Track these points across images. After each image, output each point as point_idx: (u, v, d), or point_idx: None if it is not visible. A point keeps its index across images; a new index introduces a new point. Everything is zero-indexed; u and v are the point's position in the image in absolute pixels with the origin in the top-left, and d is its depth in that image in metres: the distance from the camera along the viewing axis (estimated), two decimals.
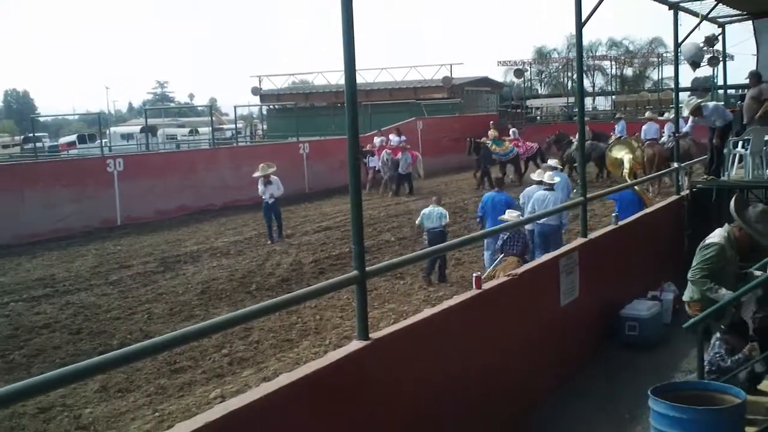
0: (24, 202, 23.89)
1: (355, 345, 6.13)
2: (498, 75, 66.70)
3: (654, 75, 68.27)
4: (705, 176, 16.05)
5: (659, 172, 20.48)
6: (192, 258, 19.18)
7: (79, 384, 10.07)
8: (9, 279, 17.71)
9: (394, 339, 6.42)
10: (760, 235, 8.23)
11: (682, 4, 15.88)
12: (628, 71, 71.24)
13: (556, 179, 15.39)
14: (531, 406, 8.64)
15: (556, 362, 9.53)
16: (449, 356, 7.19)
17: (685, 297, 8.54)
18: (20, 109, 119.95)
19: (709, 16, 17.00)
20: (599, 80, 71.94)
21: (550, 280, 9.51)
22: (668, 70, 61.53)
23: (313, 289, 6.69)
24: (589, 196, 11.67)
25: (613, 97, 59.01)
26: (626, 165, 23.91)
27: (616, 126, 32.79)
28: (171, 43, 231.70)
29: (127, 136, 53.51)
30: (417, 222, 16.27)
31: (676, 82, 18.46)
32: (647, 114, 34.77)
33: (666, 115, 35.28)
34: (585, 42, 14.14)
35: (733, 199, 8.64)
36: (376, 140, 33.25)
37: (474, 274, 7.97)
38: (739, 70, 34.04)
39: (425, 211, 15.78)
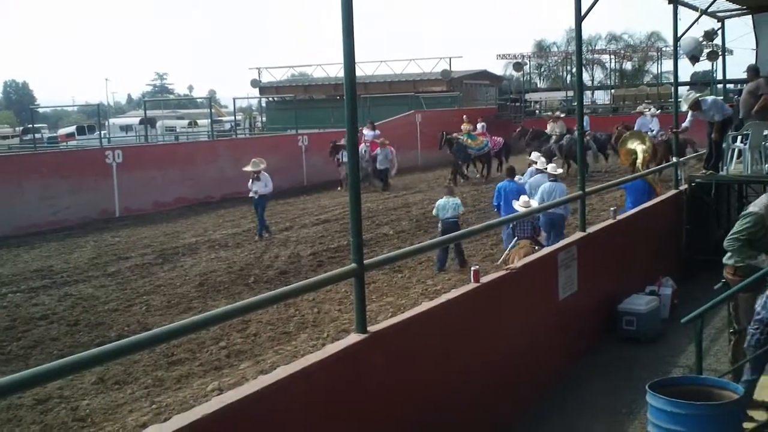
0: (23, 193, 23.88)
1: (353, 338, 6.13)
2: (497, 68, 66.72)
3: (653, 69, 68.25)
4: (704, 171, 16.04)
5: (661, 166, 20.53)
6: (190, 250, 19.17)
7: (77, 376, 10.08)
8: (7, 270, 17.69)
9: (392, 332, 6.42)
10: None
11: None
12: (628, 65, 71.21)
13: (559, 170, 15.99)
14: (529, 399, 8.65)
15: (554, 356, 9.54)
16: (448, 350, 7.19)
17: (724, 260, 8.61)
18: (20, 100, 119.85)
19: (709, 10, 16.99)
20: (598, 74, 71.86)
21: (548, 274, 9.52)
22: (667, 65, 61.55)
23: (311, 282, 6.70)
24: (589, 189, 11.67)
25: (612, 91, 58.91)
26: (640, 155, 24.04)
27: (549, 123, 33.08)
28: (171, 35, 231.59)
29: (126, 128, 53.50)
30: (433, 213, 16.66)
31: (675, 77, 18.46)
32: (639, 108, 34.96)
33: (652, 110, 35.41)
34: (584, 36, 14.18)
35: None
36: (368, 133, 32.04)
37: (472, 268, 7.97)
38: (738, 65, 34.15)
39: (440, 202, 16.16)
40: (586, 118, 33.24)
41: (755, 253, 8.17)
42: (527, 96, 57.13)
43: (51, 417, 9.40)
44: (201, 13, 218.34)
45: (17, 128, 65.96)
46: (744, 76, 18.66)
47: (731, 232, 8.45)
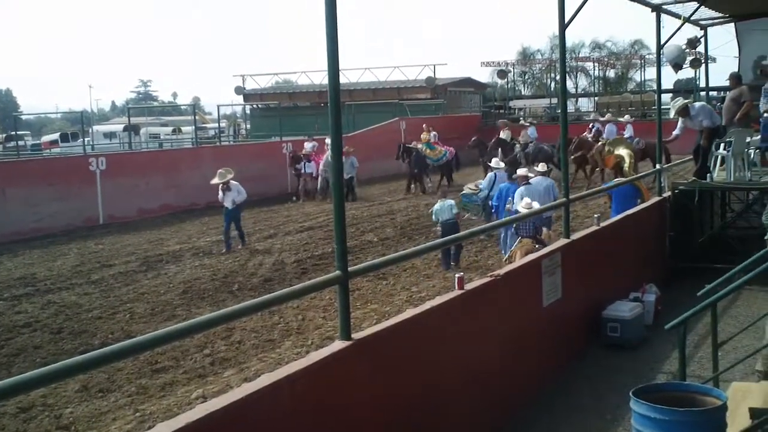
0: (5, 200, 23.79)
1: (338, 345, 6.12)
2: (482, 76, 66.80)
3: (637, 77, 68.68)
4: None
5: (648, 172, 20.65)
6: (174, 257, 19.12)
7: (60, 384, 10.01)
8: None
9: (376, 339, 6.42)
10: None
11: (664, 7, 15.94)
12: (611, 73, 71.55)
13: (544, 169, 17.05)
14: (514, 405, 8.66)
15: (539, 362, 9.55)
16: (432, 356, 7.19)
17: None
18: (3, 107, 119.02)
19: (692, 18, 17.06)
20: (582, 81, 72.21)
21: (533, 281, 9.53)
22: (651, 72, 61.81)
23: (296, 289, 6.68)
24: (573, 196, 11.71)
25: (596, 98, 59.18)
26: (627, 160, 24.30)
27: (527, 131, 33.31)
28: (155, 42, 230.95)
29: (110, 135, 53.34)
30: (432, 218, 17.27)
31: (659, 84, 18.59)
32: (607, 116, 35.53)
33: (608, 116, 35.86)
34: (568, 43, 14.24)
35: None
36: (307, 145, 31.79)
37: (456, 275, 7.98)
38: (720, 72, 34.35)
39: (436, 207, 16.77)
40: (532, 128, 33.49)
41: None
42: (511, 103, 57.33)
43: (34, 425, 9.35)
44: (185, 20, 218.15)
45: (0, 135, 65.59)
46: (727, 83, 18.79)
47: None
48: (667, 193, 15.50)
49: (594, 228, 11.94)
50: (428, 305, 7.42)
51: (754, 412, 6.35)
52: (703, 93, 30.37)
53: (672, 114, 16.30)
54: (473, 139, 33.21)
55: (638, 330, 11.20)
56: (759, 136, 15.69)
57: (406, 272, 16.11)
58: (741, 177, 14.89)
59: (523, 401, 8.85)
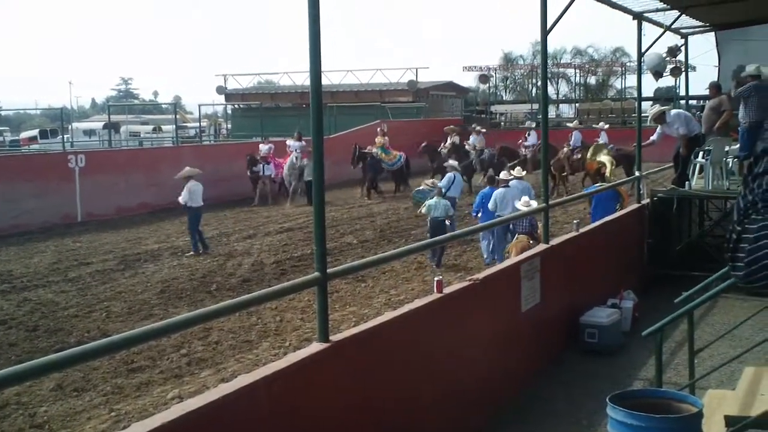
0: None
1: (315, 347, 6.11)
2: (464, 80, 66.97)
3: (617, 84, 69.03)
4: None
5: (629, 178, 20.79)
6: (152, 256, 19.04)
7: (35, 382, 9.94)
8: None
9: (354, 342, 6.41)
10: None
11: (646, 15, 16.00)
12: (592, 80, 71.96)
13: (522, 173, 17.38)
14: (491, 410, 8.67)
15: (516, 367, 9.56)
16: (410, 360, 7.19)
17: None
18: None
19: (673, 26, 17.16)
20: (563, 88, 72.67)
21: (511, 286, 9.55)
22: (631, 80, 62.03)
23: (274, 290, 6.68)
24: (553, 202, 11.74)
25: (577, 105, 59.41)
26: (608, 166, 24.57)
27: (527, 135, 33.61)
28: (136, 40, 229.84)
29: (89, 132, 53.12)
30: (423, 211, 17.49)
31: (639, 92, 18.66)
32: (574, 123, 35.95)
33: (601, 124, 36.13)
34: (550, 49, 14.31)
35: None
36: (263, 147, 30.79)
37: (435, 279, 7.98)
38: (700, 81, 34.59)
39: (431, 202, 17.13)
40: (474, 136, 33.62)
41: None
42: (493, 108, 57.44)
43: (8, 424, 9.27)
44: (167, 18, 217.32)
45: None
46: (707, 92, 18.90)
47: None
48: (646, 200, 15.58)
49: (573, 233, 11.98)
50: (406, 308, 7.42)
51: (729, 420, 6.37)
52: (682, 101, 30.57)
53: (649, 121, 16.41)
54: (423, 145, 33.10)
55: (616, 336, 11.23)
56: (737, 145, 15.82)
57: (385, 275, 16.12)
58: (719, 186, 14.98)
59: (500, 405, 8.86)
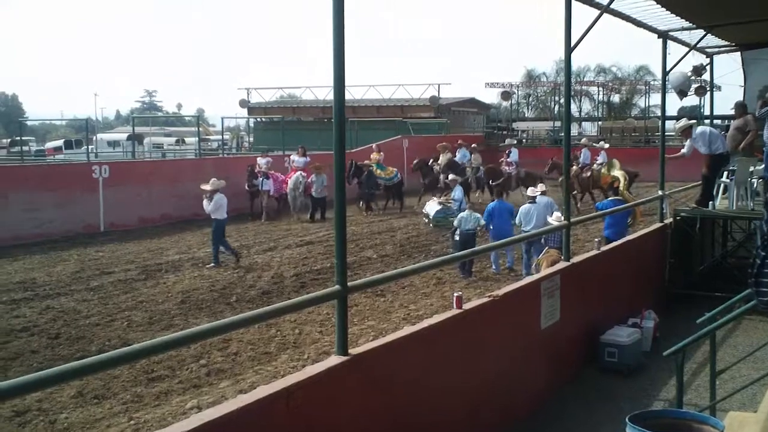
0: (8, 204, 23.74)
1: (334, 360, 6.12)
2: (486, 96, 67.10)
3: (641, 102, 68.87)
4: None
5: (646, 199, 20.71)
6: (174, 267, 19.10)
7: (56, 389, 10.01)
8: None
9: (373, 355, 6.41)
10: None
11: (671, 33, 15.97)
12: (615, 98, 71.71)
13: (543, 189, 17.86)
14: (509, 428, 8.63)
15: (535, 384, 9.53)
16: (428, 375, 7.18)
17: None
18: (8, 112, 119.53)
19: (698, 46, 17.11)
20: (586, 106, 72.44)
21: (531, 303, 9.53)
22: (655, 98, 62.14)
23: (294, 302, 6.68)
24: (574, 219, 11.71)
25: (600, 123, 59.22)
26: (622, 180, 24.67)
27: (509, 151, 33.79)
28: (162, 53, 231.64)
29: (113, 143, 53.56)
30: (455, 224, 18.07)
31: (663, 111, 18.60)
32: (582, 141, 35.88)
33: (602, 143, 35.99)
34: (573, 67, 14.31)
35: None
36: (261, 161, 30.32)
37: (455, 294, 7.97)
38: (725, 101, 34.37)
39: (463, 215, 17.83)
40: (464, 149, 33.55)
41: None
42: (515, 125, 57.38)
43: (29, 429, 9.32)
44: (192, 32, 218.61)
45: (5, 140, 65.72)
46: (731, 112, 18.78)
47: None
48: (668, 220, 15.49)
49: (594, 252, 11.95)
50: (426, 323, 7.42)
51: None
52: (707, 121, 30.42)
53: (675, 133, 16.33)
54: (415, 161, 33.01)
55: (636, 355, 11.18)
56: (762, 165, 15.71)
57: (405, 290, 16.09)
58: (743, 206, 14.89)
59: (517, 422, 8.83)
